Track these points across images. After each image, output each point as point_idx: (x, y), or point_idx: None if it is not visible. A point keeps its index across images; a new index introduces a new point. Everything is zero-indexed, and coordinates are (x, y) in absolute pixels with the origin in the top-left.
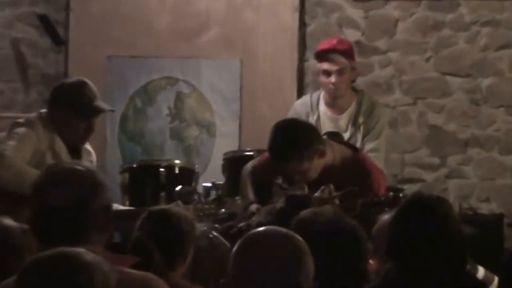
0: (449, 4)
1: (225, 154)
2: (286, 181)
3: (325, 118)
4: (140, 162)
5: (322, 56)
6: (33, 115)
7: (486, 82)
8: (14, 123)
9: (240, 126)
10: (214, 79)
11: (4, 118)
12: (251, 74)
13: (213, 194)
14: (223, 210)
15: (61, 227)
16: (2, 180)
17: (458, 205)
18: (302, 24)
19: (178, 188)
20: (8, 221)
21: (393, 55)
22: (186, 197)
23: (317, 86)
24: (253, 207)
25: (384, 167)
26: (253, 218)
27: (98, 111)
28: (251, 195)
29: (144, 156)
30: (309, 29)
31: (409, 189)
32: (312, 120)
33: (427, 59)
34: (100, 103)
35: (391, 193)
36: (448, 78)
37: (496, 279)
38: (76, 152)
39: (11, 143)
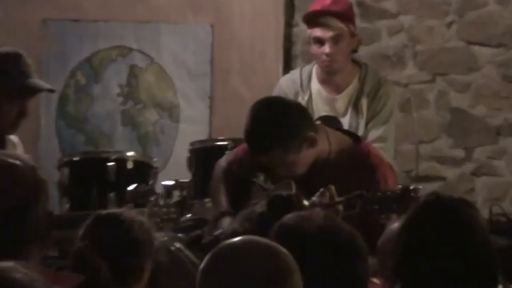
0: None
1: (191, 144)
2: (270, 180)
3: (318, 99)
4: (83, 155)
5: (312, 20)
6: None
7: None
8: None
9: (210, 108)
10: (178, 48)
11: None
12: (225, 43)
13: (176, 195)
14: (188, 215)
15: None
16: None
17: (488, 210)
18: None
19: (132, 187)
20: None
21: (405, 19)
22: (142, 199)
23: (309, 59)
24: (225, 222)
25: (394, 162)
26: (227, 226)
27: (34, 90)
28: (224, 202)
29: (89, 146)
30: None
31: (426, 189)
32: (302, 101)
33: (449, 25)
34: (37, 80)
35: (400, 186)
36: (475, 48)
37: None
38: None
39: None
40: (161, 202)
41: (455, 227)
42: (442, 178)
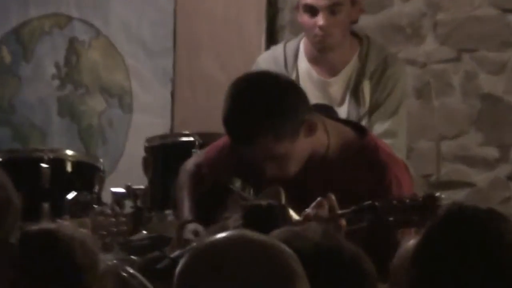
0: None
1: (148, 140)
2: (251, 187)
3: (307, 83)
4: (8, 154)
5: None
6: None
7: None
8: None
9: (173, 95)
10: (131, 18)
11: None
12: (192, 12)
13: (128, 206)
14: (144, 232)
15: None
16: None
17: None
18: None
19: (71, 195)
20: None
21: None
22: (84, 210)
23: (296, 31)
24: (190, 227)
25: (407, 163)
26: (191, 245)
27: None
28: (187, 211)
29: (16, 143)
30: None
31: (449, 198)
32: None
33: None
34: None
35: (421, 194)
36: None
37: None
38: None
39: None
40: (109, 213)
41: (483, 245)
42: (470, 184)
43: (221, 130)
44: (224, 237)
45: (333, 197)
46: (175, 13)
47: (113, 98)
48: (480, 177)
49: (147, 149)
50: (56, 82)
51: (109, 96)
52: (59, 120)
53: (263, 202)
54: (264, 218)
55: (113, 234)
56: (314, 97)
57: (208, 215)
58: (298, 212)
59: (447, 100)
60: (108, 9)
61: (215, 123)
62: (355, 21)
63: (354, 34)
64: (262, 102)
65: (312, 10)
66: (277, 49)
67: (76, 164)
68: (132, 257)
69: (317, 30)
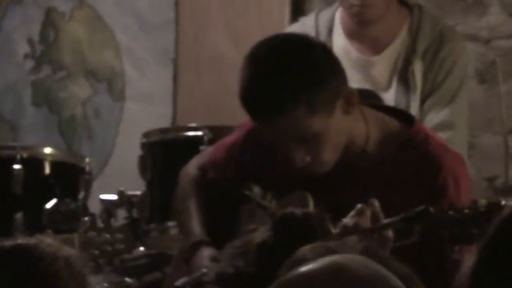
0: None
1: (145, 135)
2: (271, 191)
3: (345, 61)
4: None
5: None
6: None
7: None
8: None
9: (175, 79)
10: None
11: None
12: None
13: (121, 216)
14: (141, 248)
15: None
16: None
17: None
18: None
19: (51, 203)
20: None
21: None
22: (66, 222)
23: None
24: (206, 253)
25: (468, 163)
26: (205, 267)
27: None
28: (197, 227)
29: None
30: None
31: None
32: None
33: None
34: None
35: (483, 201)
36: None
37: None
38: None
39: None
40: (99, 226)
41: None
42: None
43: (235, 122)
44: (318, 268)
45: (376, 203)
46: None
47: (101, 82)
48: None
49: (144, 146)
50: (30, 63)
51: (96, 80)
52: (34, 110)
53: (297, 211)
54: (299, 230)
55: (108, 254)
56: (352, 79)
57: (219, 228)
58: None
59: None
60: None
61: (227, 114)
62: None
63: (403, 3)
64: (291, 65)
65: None
66: (307, 21)
67: (56, 165)
68: (127, 279)
69: (354, 0)
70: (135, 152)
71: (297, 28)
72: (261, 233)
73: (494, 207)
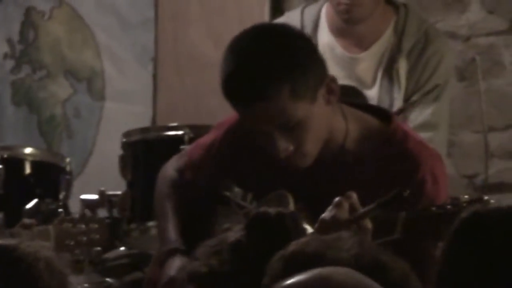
0: None
1: (126, 135)
2: (251, 191)
3: (330, 59)
4: None
5: None
6: None
7: None
8: None
9: (155, 78)
10: None
11: None
12: None
13: (101, 215)
14: (122, 248)
15: None
16: None
17: None
18: None
19: (31, 204)
20: None
21: None
22: (46, 221)
23: None
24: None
25: (449, 162)
26: (178, 268)
27: None
28: (172, 232)
29: None
30: None
31: (500, 203)
32: None
33: None
34: None
35: (466, 197)
36: None
37: None
38: None
39: None
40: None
41: (503, 253)
42: None
43: (215, 121)
44: (304, 280)
45: (354, 195)
46: None
47: (81, 82)
48: None
49: (125, 145)
50: (9, 63)
51: (76, 80)
52: (14, 109)
53: (271, 210)
54: (272, 229)
55: (83, 245)
56: (338, 76)
57: (197, 230)
58: (308, 221)
59: (497, 82)
60: None
61: (208, 112)
62: None
63: (389, 2)
64: (274, 50)
65: None
66: (292, 16)
67: (36, 165)
68: (108, 279)
69: None
70: (116, 151)
71: (282, 21)
72: (235, 232)
73: (476, 203)
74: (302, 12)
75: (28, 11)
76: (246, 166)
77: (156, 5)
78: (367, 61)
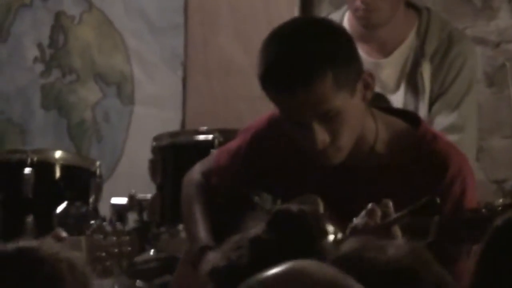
0: None
1: (156, 139)
2: (279, 197)
3: None
4: None
5: None
6: None
7: None
8: None
9: (184, 82)
10: None
11: None
12: None
13: (131, 219)
14: (152, 251)
15: None
16: None
17: None
18: None
19: (61, 207)
20: None
21: None
22: (76, 226)
23: (338, 2)
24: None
25: (476, 165)
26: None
27: None
28: (203, 233)
29: None
30: None
31: None
32: None
33: None
34: None
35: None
36: None
37: None
38: None
39: None
40: (108, 229)
41: None
42: None
43: (244, 126)
44: (277, 273)
45: (390, 203)
46: None
47: (110, 86)
48: None
49: (155, 150)
50: (39, 67)
51: (105, 84)
52: (44, 113)
53: (294, 207)
54: (293, 226)
55: (114, 257)
56: None
57: (222, 235)
58: (333, 223)
59: None
60: None
61: (237, 117)
62: None
63: (411, 6)
64: (317, 38)
65: None
66: None
67: (66, 168)
68: (138, 282)
69: (358, 3)
70: (145, 155)
71: None
72: (256, 228)
73: (510, 207)
74: None
75: (58, 16)
76: (274, 171)
77: (185, 10)
78: (391, 66)
